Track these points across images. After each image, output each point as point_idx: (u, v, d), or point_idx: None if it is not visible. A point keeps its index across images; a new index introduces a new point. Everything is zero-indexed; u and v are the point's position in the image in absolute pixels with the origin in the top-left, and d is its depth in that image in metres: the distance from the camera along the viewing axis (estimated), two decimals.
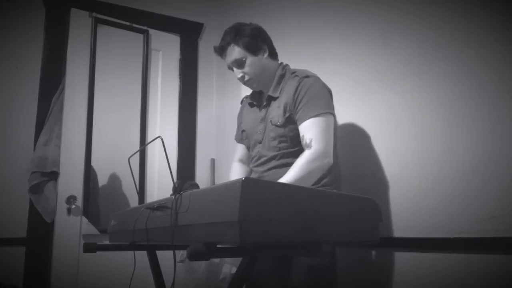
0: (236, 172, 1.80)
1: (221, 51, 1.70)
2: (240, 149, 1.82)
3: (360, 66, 1.84)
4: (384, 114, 1.72)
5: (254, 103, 1.75)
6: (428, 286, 1.47)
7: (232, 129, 2.78)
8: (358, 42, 1.87)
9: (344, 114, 1.84)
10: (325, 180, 1.52)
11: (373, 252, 1.69)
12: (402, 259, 1.59)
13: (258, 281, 1.62)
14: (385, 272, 1.65)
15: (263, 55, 1.65)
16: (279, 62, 1.72)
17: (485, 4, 1.41)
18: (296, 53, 2.15)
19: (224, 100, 2.97)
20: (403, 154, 1.62)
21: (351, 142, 1.82)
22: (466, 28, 1.45)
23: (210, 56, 3.09)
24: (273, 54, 1.70)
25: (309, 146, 1.46)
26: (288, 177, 1.39)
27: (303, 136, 1.50)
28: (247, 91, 2.78)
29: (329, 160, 1.47)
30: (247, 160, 1.78)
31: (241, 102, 1.89)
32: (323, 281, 1.48)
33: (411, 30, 1.64)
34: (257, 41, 1.64)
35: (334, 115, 1.55)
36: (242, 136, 1.79)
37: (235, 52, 1.63)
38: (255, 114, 1.72)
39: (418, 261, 1.52)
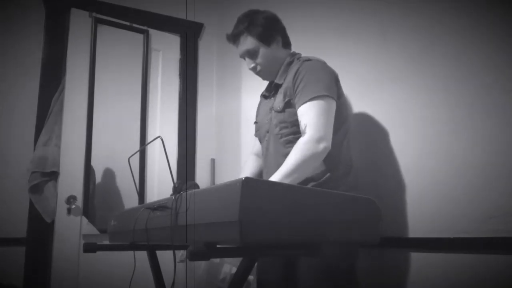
0: (249, 165, 1.79)
1: (234, 39, 1.63)
2: (256, 143, 1.80)
3: (362, 64, 1.84)
4: (384, 113, 1.72)
5: (267, 94, 1.72)
6: (428, 286, 1.47)
7: (232, 129, 2.80)
8: (359, 40, 1.87)
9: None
10: (329, 174, 1.46)
11: (373, 252, 1.69)
12: (402, 259, 1.58)
13: (268, 280, 1.61)
14: (384, 272, 1.65)
15: (277, 45, 1.61)
16: (292, 51, 1.69)
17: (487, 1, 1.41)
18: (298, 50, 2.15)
19: (224, 100, 2.97)
20: (404, 154, 1.62)
21: (354, 141, 1.81)
22: (470, 26, 1.45)
23: (210, 56, 3.09)
24: (287, 44, 1.66)
25: (303, 132, 1.41)
26: (283, 169, 1.35)
27: (300, 121, 1.45)
28: (247, 91, 2.78)
29: (325, 145, 1.39)
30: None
31: (260, 96, 1.83)
32: (341, 284, 1.43)
33: (412, 28, 1.64)
34: (271, 31, 1.59)
35: (334, 99, 1.47)
36: (255, 128, 1.77)
37: (248, 42, 1.59)
38: (267, 105, 1.69)
39: (418, 261, 1.52)
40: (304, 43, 2.10)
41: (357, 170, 1.59)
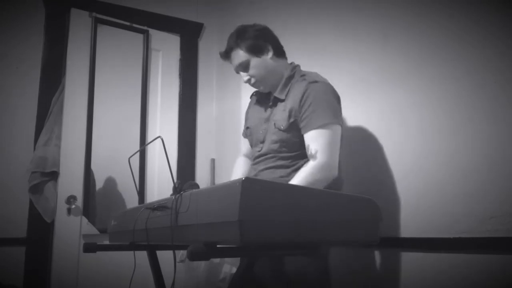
0: (239, 166, 1.81)
1: (226, 56, 1.68)
2: (246, 144, 1.82)
3: (362, 64, 1.84)
4: (384, 114, 1.72)
5: (261, 100, 1.73)
6: (429, 286, 1.48)
7: (232, 129, 2.80)
8: (360, 40, 1.87)
9: (347, 112, 1.84)
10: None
11: (373, 252, 1.69)
12: (402, 259, 1.59)
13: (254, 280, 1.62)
14: (385, 272, 1.65)
15: (267, 55, 1.62)
16: (290, 62, 1.70)
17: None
18: (298, 52, 2.15)
19: (224, 100, 2.97)
20: (403, 154, 1.62)
21: (353, 141, 1.81)
22: (470, 27, 1.45)
23: (210, 56, 3.09)
24: (280, 53, 1.67)
25: (314, 157, 1.44)
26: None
27: (308, 145, 1.48)
28: (247, 91, 2.77)
29: (334, 172, 1.46)
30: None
31: (251, 97, 1.86)
32: (315, 282, 1.46)
33: (413, 28, 1.64)
34: (259, 42, 1.61)
35: (341, 125, 1.52)
36: (246, 133, 1.79)
37: (239, 55, 1.62)
38: (261, 113, 1.70)
39: (419, 261, 1.52)
40: (304, 44, 2.11)
41: (343, 175, 1.60)
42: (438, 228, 1.46)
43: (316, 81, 1.54)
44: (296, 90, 1.56)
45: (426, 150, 1.54)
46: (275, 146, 1.57)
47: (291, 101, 1.55)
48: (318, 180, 1.41)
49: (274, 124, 1.58)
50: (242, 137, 1.88)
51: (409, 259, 1.56)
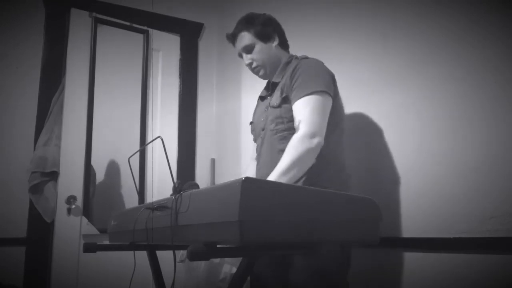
0: (250, 170, 1.80)
1: (232, 38, 1.72)
2: (255, 148, 1.82)
3: (362, 64, 1.84)
4: (384, 114, 1.72)
5: (264, 95, 1.74)
6: (429, 286, 1.48)
7: (232, 129, 2.80)
8: (360, 40, 1.87)
9: (347, 112, 1.84)
10: (319, 172, 1.44)
11: (373, 252, 1.69)
12: (402, 259, 1.59)
13: (260, 280, 1.61)
14: (385, 272, 1.65)
15: (273, 43, 1.66)
16: (290, 53, 1.72)
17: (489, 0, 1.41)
18: (298, 52, 2.15)
19: (224, 100, 2.97)
20: (404, 154, 1.62)
21: (353, 141, 1.81)
22: (469, 27, 1.45)
23: (210, 56, 3.09)
24: (284, 45, 1.71)
25: (297, 128, 1.42)
26: (279, 167, 1.35)
27: (294, 117, 1.46)
28: (247, 91, 2.77)
29: (319, 140, 1.39)
30: None
31: (257, 99, 1.86)
32: (328, 283, 1.43)
33: (413, 28, 1.64)
34: (268, 29, 1.66)
35: (330, 95, 1.48)
36: (251, 129, 1.79)
37: (246, 38, 1.66)
38: (263, 105, 1.71)
39: (419, 261, 1.52)
40: (304, 43, 2.11)
41: (349, 170, 1.59)
42: (438, 228, 1.46)
43: (307, 57, 1.58)
44: (289, 69, 1.58)
45: (426, 150, 1.54)
46: (272, 125, 1.56)
47: (284, 79, 1.57)
48: (303, 152, 1.36)
49: (269, 104, 1.60)
50: (243, 138, 1.87)
51: (409, 259, 1.56)
